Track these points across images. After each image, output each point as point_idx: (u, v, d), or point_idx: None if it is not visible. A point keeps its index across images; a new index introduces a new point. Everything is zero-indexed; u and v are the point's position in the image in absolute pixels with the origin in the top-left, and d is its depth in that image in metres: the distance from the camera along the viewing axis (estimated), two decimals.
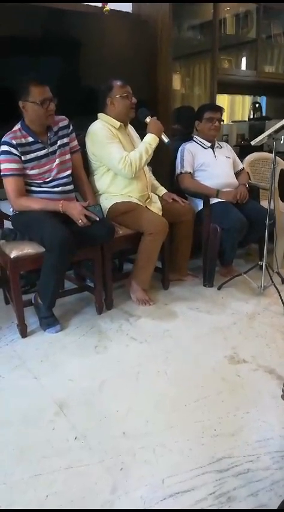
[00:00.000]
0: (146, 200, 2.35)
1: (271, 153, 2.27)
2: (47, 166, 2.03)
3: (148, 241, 2.20)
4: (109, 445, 1.35)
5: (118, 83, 2.23)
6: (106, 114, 2.27)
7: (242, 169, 2.81)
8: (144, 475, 1.24)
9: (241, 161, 2.88)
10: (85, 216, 1.95)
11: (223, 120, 2.75)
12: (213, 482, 1.21)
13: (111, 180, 2.27)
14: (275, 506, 1.13)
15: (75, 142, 2.17)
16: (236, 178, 2.71)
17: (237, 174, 2.75)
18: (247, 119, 4.19)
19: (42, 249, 1.92)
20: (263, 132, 2.30)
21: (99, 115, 2.29)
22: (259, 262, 2.42)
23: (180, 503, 1.15)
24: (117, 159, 2.16)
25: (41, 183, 2.03)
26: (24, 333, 2.01)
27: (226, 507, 1.14)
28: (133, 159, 2.17)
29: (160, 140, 2.25)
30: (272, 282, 2.34)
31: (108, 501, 1.16)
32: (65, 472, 1.25)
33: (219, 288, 2.51)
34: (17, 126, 1.98)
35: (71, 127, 2.13)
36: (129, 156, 2.17)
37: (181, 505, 1.15)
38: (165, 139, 2.26)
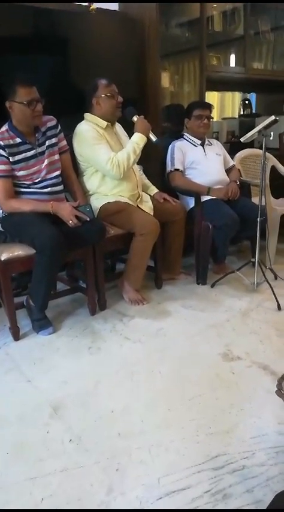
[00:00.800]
0: (137, 199, 2.35)
1: (262, 149, 2.27)
2: (36, 167, 2.01)
3: (139, 242, 2.20)
4: (105, 446, 1.35)
5: (104, 82, 2.21)
6: (93, 114, 2.25)
7: (233, 166, 2.81)
8: (140, 475, 1.24)
9: (232, 158, 2.88)
10: (76, 216, 1.94)
11: (212, 117, 2.74)
12: (208, 480, 1.21)
13: (100, 180, 2.26)
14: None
15: (64, 143, 2.16)
16: (227, 175, 2.72)
17: (228, 171, 2.76)
18: (237, 116, 4.20)
19: (32, 251, 1.91)
20: (253, 128, 2.30)
21: (86, 115, 2.27)
22: (252, 259, 2.42)
23: (176, 501, 1.15)
24: (105, 160, 2.15)
25: (29, 184, 2.01)
26: (16, 336, 2.00)
27: (222, 504, 1.14)
28: (121, 160, 2.16)
29: (148, 139, 2.24)
30: (265, 278, 2.35)
31: (104, 502, 1.16)
32: (61, 474, 1.24)
33: (212, 286, 2.51)
34: (5, 127, 1.96)
35: (59, 127, 2.12)
36: (117, 156, 2.16)
37: (177, 504, 1.14)
38: (153, 137, 2.24)
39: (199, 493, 1.17)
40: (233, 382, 1.65)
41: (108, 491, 1.19)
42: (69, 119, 2.25)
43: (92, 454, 1.32)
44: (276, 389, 1.21)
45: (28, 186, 2.01)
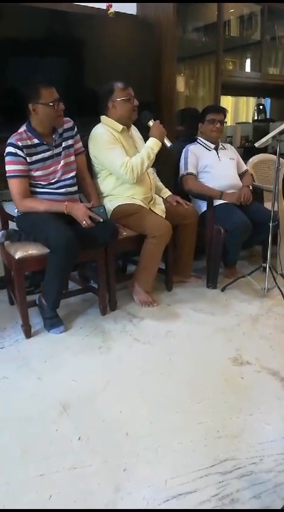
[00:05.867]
0: (150, 202, 2.36)
1: (275, 154, 2.27)
2: (52, 168, 2.04)
3: (151, 244, 2.21)
4: (112, 446, 1.36)
5: (120, 85, 2.22)
6: (108, 117, 2.27)
7: (246, 170, 2.81)
8: (147, 476, 1.24)
9: (245, 163, 2.87)
10: (90, 217, 1.96)
11: (226, 122, 2.74)
12: (216, 484, 1.21)
13: (114, 182, 2.28)
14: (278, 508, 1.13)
15: (80, 144, 2.18)
16: (240, 180, 2.71)
17: (241, 175, 2.75)
18: (251, 121, 4.19)
19: (46, 250, 1.93)
20: (267, 133, 2.29)
21: (102, 118, 2.29)
22: (263, 264, 2.42)
23: (183, 504, 1.15)
24: (119, 164, 2.16)
25: (45, 185, 2.04)
26: (28, 334, 2.02)
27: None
28: (135, 165, 2.17)
29: (163, 144, 2.24)
30: (276, 283, 2.34)
31: (111, 502, 1.16)
32: (68, 473, 1.26)
33: (223, 290, 2.51)
34: (23, 128, 1.99)
35: (76, 129, 2.14)
36: (131, 161, 2.17)
37: (184, 507, 1.15)
38: (168, 143, 2.25)
39: (207, 497, 1.17)
40: (243, 387, 1.65)
41: (115, 491, 1.19)
42: (86, 121, 2.27)
43: (100, 453, 1.33)
44: None
45: (44, 186, 2.04)
